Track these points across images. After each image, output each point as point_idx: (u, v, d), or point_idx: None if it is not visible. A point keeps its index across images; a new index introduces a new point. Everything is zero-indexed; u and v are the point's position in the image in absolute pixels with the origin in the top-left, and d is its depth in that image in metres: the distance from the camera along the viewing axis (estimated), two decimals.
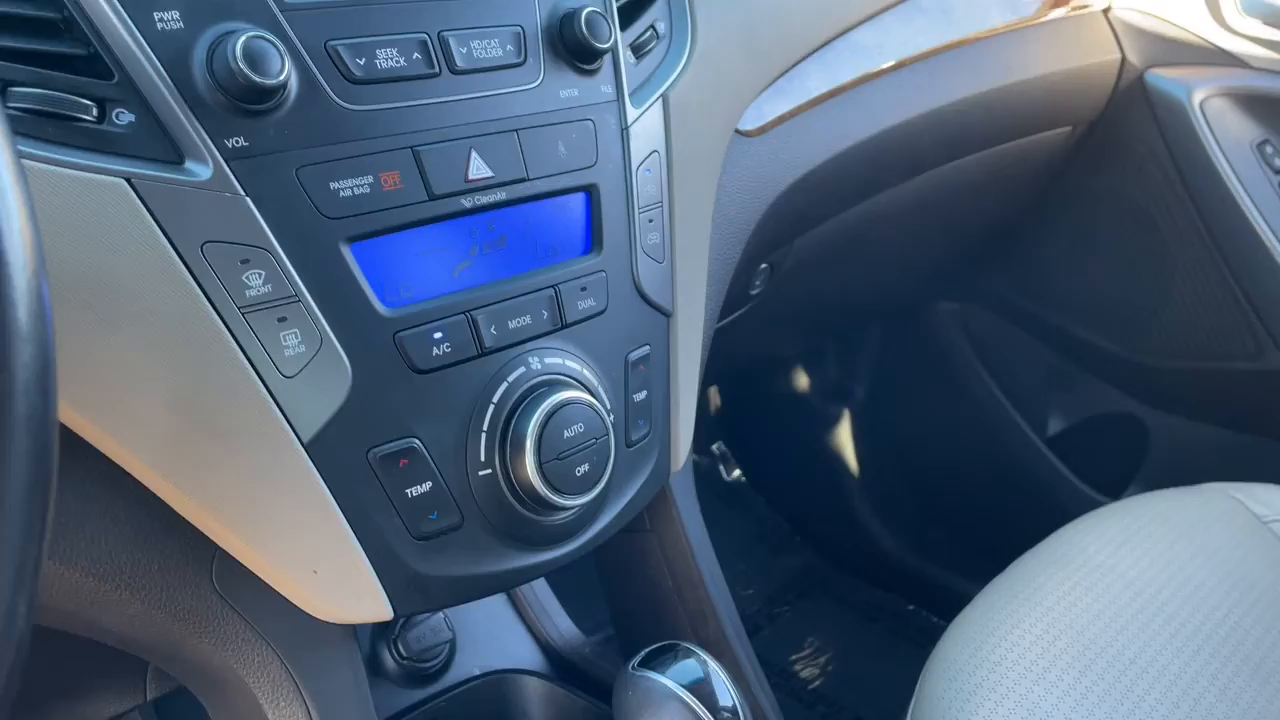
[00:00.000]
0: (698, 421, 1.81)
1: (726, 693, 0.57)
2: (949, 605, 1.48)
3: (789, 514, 1.70)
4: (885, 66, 0.94)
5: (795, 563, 1.66)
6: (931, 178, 1.05)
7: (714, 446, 1.77)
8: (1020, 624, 0.86)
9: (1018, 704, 0.78)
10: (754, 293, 0.95)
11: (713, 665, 0.58)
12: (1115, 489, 1.39)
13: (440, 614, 0.84)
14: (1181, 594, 0.91)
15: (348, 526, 0.51)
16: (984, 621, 0.88)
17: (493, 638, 0.86)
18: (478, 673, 0.84)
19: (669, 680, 0.56)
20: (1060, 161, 1.24)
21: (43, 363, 0.29)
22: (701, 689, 0.56)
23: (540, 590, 0.89)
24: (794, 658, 1.49)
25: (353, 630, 0.56)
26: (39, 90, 0.43)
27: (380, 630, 0.82)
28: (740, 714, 0.57)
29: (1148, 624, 0.87)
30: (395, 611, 0.53)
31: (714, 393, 1.75)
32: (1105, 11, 1.19)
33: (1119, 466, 1.40)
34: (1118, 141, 1.21)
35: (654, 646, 0.58)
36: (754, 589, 1.59)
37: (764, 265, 0.94)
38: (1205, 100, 1.14)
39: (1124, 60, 1.17)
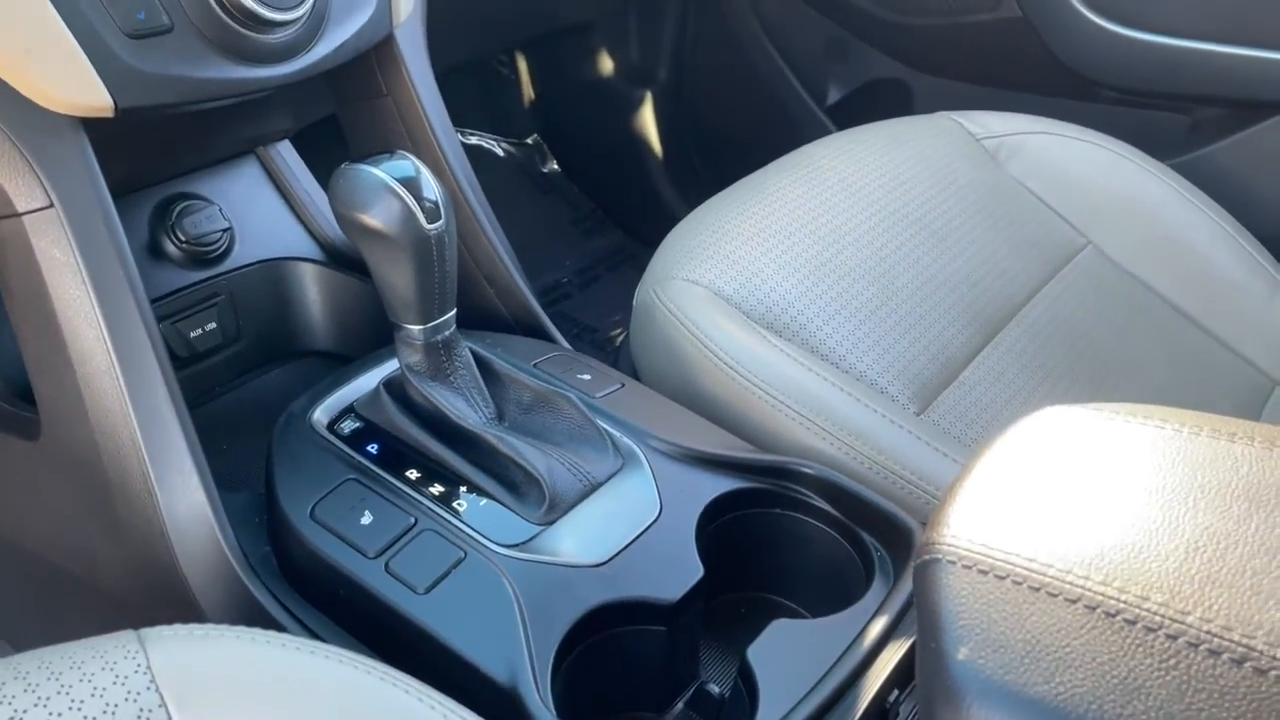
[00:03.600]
0: (514, 114, 1.85)
1: (431, 188, 0.67)
2: None
3: (600, 199, 1.81)
4: None
5: (606, 243, 1.78)
6: None
7: (530, 138, 1.84)
8: (742, 206, 0.99)
9: (728, 257, 0.92)
10: None
11: (423, 168, 0.67)
12: None
13: (216, 205, 0.92)
14: (888, 186, 1.05)
15: (53, 9, 0.57)
16: (714, 206, 1.01)
17: (271, 232, 0.95)
18: (256, 259, 0.93)
19: (381, 172, 0.65)
20: None
21: None
22: (411, 184, 0.66)
23: (313, 190, 0.97)
24: (602, 318, 1.64)
25: (80, 125, 0.63)
26: None
27: (158, 218, 0.89)
28: (442, 207, 0.66)
29: (853, 205, 1.01)
30: (115, 101, 0.60)
31: (528, 84, 1.80)
32: None
33: None
34: None
35: (371, 152, 0.67)
36: (568, 264, 1.71)
37: None
38: None
39: None
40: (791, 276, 0.91)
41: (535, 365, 0.79)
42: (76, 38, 0.58)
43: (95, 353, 0.63)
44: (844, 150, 1.10)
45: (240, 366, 0.92)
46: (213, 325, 0.89)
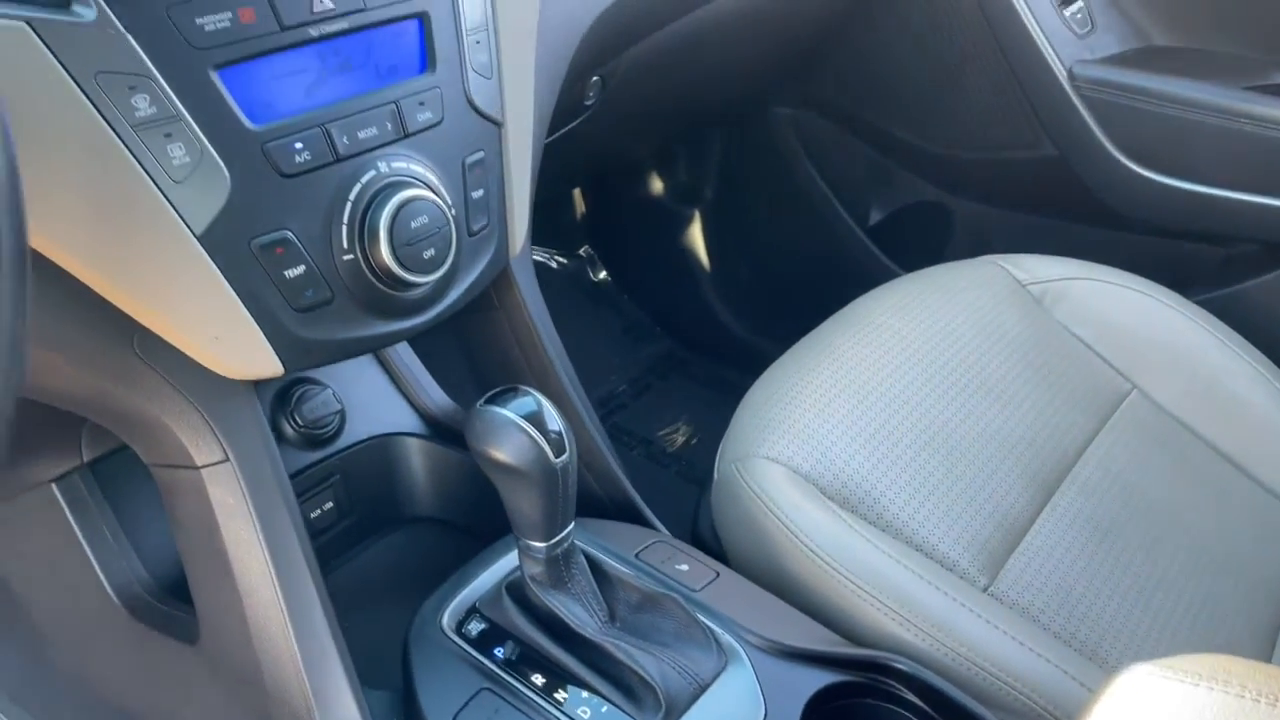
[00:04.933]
0: (566, 227, 1.95)
1: (554, 420, 0.74)
2: None
3: (650, 308, 1.88)
4: None
5: (656, 350, 1.85)
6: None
7: (581, 250, 1.92)
8: (812, 372, 1.06)
9: (803, 431, 0.99)
10: (588, 103, 1.08)
11: (544, 401, 0.74)
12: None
13: (329, 389, 0.99)
14: (943, 344, 1.12)
15: (239, 301, 0.64)
16: (784, 371, 1.08)
17: (378, 409, 1.02)
18: (366, 436, 1.00)
19: (509, 411, 0.73)
20: None
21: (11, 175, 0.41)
22: (535, 418, 0.73)
23: (416, 369, 1.04)
24: (655, 428, 1.71)
25: (254, 385, 0.71)
26: None
27: (279, 404, 0.96)
28: (565, 437, 0.74)
29: (912, 368, 1.08)
30: (285, 367, 0.68)
31: (579, 200, 1.88)
32: None
33: (927, 248, 1.60)
34: None
35: (496, 390, 0.74)
36: (619, 373, 1.79)
37: (595, 78, 1.06)
38: None
39: None
40: (863, 449, 0.98)
41: (637, 555, 0.86)
42: (258, 321, 0.65)
43: (261, 586, 0.70)
44: (899, 306, 1.17)
45: (351, 539, 1.00)
46: (330, 505, 0.96)
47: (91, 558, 0.83)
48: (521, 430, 0.72)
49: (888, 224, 1.64)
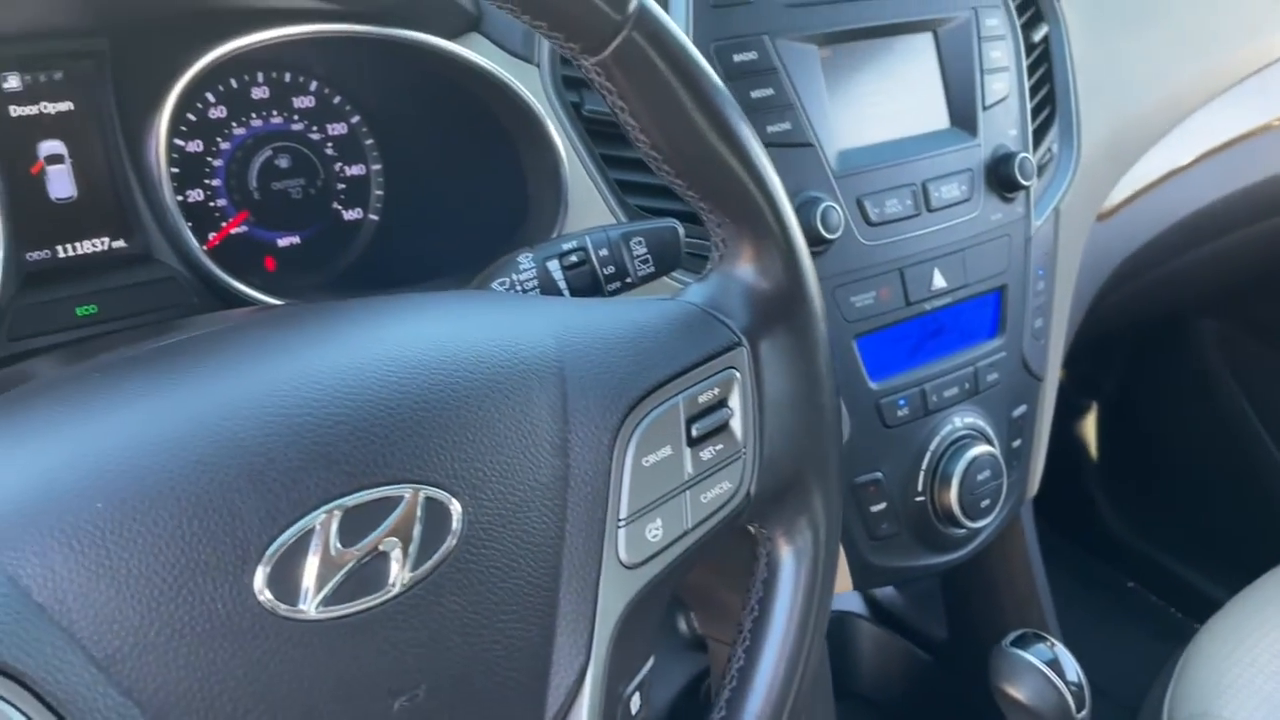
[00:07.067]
0: None
1: (1074, 670, 0.79)
2: (1170, 589, 1.65)
3: None
4: (1213, 147, 1.09)
5: None
6: (1231, 236, 1.19)
7: None
8: (1271, 632, 1.04)
9: (1264, 700, 0.97)
10: None
11: (1060, 648, 0.80)
12: None
13: None
14: None
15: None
16: (1238, 626, 1.06)
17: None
18: None
19: (1032, 657, 0.78)
20: None
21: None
22: (1054, 666, 0.79)
23: None
24: None
25: None
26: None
27: None
28: (1084, 689, 0.79)
29: None
30: (854, 586, 0.78)
31: None
32: None
33: None
34: None
35: (1018, 632, 0.80)
36: None
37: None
38: None
39: None
40: None
41: None
42: (843, 545, 0.76)
43: None
44: None
45: None
46: None
47: None
48: (1047, 679, 0.77)
49: None
